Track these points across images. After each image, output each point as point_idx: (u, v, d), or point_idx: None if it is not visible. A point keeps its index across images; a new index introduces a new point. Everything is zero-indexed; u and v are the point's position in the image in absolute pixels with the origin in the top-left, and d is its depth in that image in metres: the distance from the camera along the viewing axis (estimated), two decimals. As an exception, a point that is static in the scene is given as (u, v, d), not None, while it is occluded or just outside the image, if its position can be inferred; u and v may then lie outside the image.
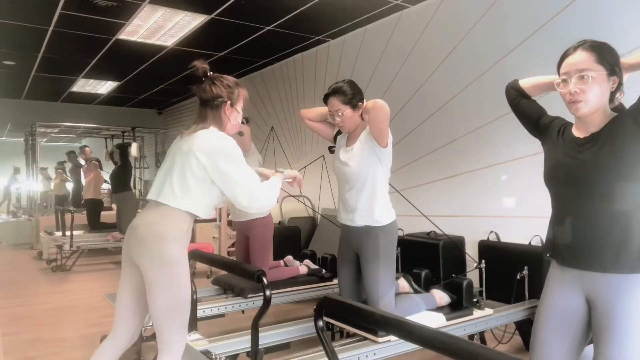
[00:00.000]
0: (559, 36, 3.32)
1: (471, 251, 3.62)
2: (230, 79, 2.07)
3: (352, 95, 2.48)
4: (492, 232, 3.65)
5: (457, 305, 2.73)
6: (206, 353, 2.19)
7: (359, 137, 2.52)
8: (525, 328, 2.95)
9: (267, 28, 5.11)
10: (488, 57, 3.80)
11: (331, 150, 2.76)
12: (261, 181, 2.02)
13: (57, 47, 5.80)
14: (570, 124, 1.76)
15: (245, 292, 3.15)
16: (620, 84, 1.63)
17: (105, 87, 8.33)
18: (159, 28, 5.12)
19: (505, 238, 3.57)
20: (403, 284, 2.83)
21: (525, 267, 3.03)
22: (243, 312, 3.29)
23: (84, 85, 8.15)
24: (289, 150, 6.47)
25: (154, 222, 1.85)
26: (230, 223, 6.54)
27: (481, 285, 3.34)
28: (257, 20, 4.89)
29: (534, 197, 3.34)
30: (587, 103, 1.59)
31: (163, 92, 8.87)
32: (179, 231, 1.85)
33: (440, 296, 2.71)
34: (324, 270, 3.70)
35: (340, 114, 2.48)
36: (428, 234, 3.76)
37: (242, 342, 2.36)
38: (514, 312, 2.88)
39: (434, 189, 4.27)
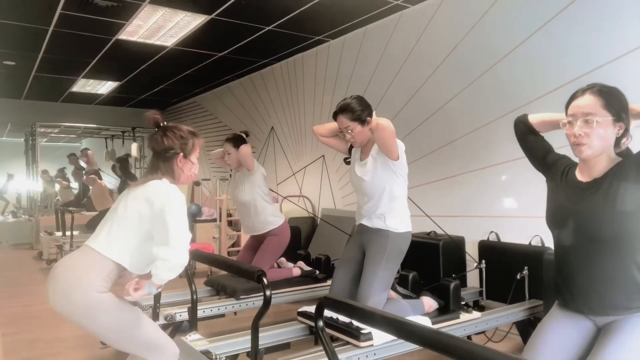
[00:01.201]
0: (559, 37, 3.32)
1: (471, 251, 3.62)
2: (184, 130, 2.01)
3: (360, 111, 2.52)
4: (492, 232, 3.65)
5: (445, 309, 2.69)
6: (206, 353, 2.19)
7: (371, 150, 2.57)
8: (525, 328, 2.94)
9: (267, 28, 5.11)
10: (488, 57, 3.80)
11: (346, 161, 2.81)
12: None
13: (57, 47, 5.80)
14: (574, 165, 1.76)
15: (237, 293, 3.15)
16: (626, 130, 1.63)
17: (105, 87, 8.33)
18: (159, 28, 5.12)
19: (505, 238, 3.57)
20: (389, 291, 2.84)
21: (525, 267, 3.02)
22: (235, 313, 3.26)
23: (84, 85, 8.15)
24: (289, 150, 6.47)
25: (71, 267, 1.84)
26: (230, 223, 6.55)
27: (481, 285, 3.34)
28: (257, 21, 4.89)
29: (534, 197, 3.34)
30: (591, 147, 1.60)
31: (163, 92, 8.88)
32: (96, 277, 1.80)
33: (429, 304, 2.68)
34: (317, 272, 3.67)
35: (349, 130, 2.53)
36: (428, 234, 3.76)
37: (242, 342, 2.36)
38: (513, 312, 2.88)
39: (434, 188, 4.27)
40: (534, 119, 1.89)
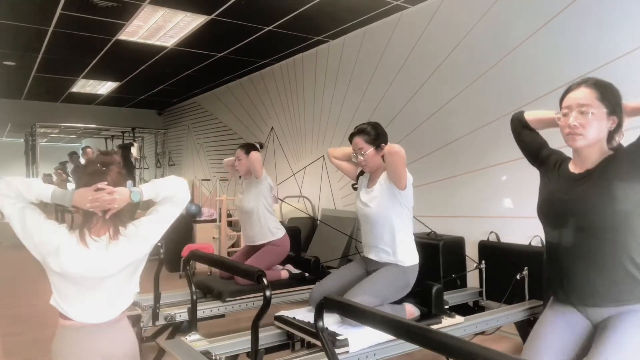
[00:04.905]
0: (559, 36, 3.32)
1: (471, 251, 3.62)
2: None
3: (376, 136, 2.59)
4: (492, 232, 3.65)
5: (427, 313, 2.64)
6: (206, 353, 2.19)
7: (379, 178, 2.59)
8: (525, 328, 2.94)
9: (267, 28, 5.11)
10: (488, 58, 3.80)
11: (354, 187, 2.84)
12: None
13: (57, 47, 5.80)
14: (567, 159, 1.77)
15: (223, 295, 3.14)
16: (619, 125, 1.65)
17: (105, 87, 8.33)
18: (159, 28, 5.12)
19: (505, 238, 3.57)
20: None
21: (525, 268, 3.02)
22: (224, 315, 3.23)
23: (84, 85, 8.16)
24: (289, 150, 6.47)
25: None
26: (230, 223, 6.54)
27: (481, 286, 3.34)
28: (257, 21, 4.89)
29: (534, 198, 3.32)
30: (586, 137, 1.61)
31: (163, 92, 8.88)
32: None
33: (411, 311, 2.65)
34: (306, 274, 3.64)
35: (363, 152, 2.57)
36: (428, 234, 3.76)
37: (242, 343, 2.36)
38: (513, 313, 2.87)
39: (434, 189, 4.27)
40: (530, 115, 1.91)
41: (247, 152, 3.53)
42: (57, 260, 1.54)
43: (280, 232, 3.59)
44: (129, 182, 1.65)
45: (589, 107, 1.60)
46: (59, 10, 4.56)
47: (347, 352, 2.19)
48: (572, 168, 1.72)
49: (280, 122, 6.67)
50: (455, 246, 3.59)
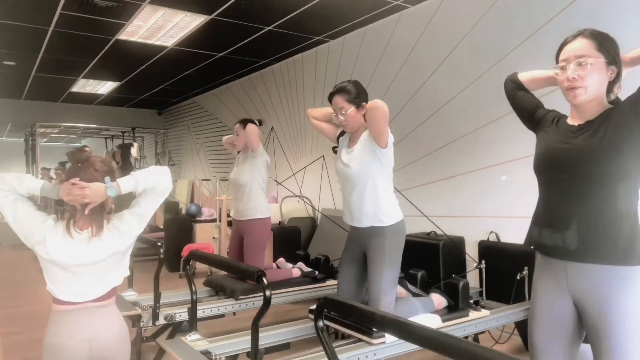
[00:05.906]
0: (559, 36, 3.31)
1: (471, 251, 3.62)
2: None
3: (357, 94, 2.52)
4: (492, 232, 3.65)
5: (454, 307, 2.72)
6: (206, 353, 2.20)
7: (359, 138, 2.54)
8: (525, 328, 2.94)
9: (267, 28, 5.11)
10: (488, 58, 3.80)
11: (334, 150, 2.79)
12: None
13: (57, 47, 5.80)
14: (565, 116, 1.74)
15: (236, 293, 3.15)
16: (618, 75, 1.61)
17: (105, 87, 8.33)
18: (159, 28, 5.12)
19: (505, 238, 3.57)
20: (400, 289, 2.82)
21: (525, 267, 3.02)
22: (234, 314, 3.28)
23: (84, 85, 8.16)
24: (289, 150, 6.47)
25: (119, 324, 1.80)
26: (230, 223, 6.55)
27: (481, 286, 3.34)
28: (257, 21, 4.89)
29: (534, 197, 3.33)
30: (586, 90, 1.57)
31: (163, 92, 8.88)
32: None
33: (439, 301, 2.70)
34: (317, 272, 3.68)
35: (343, 112, 2.51)
36: (428, 234, 3.76)
37: (242, 343, 2.37)
38: (513, 312, 2.88)
39: (434, 189, 4.27)
40: (524, 77, 1.87)
41: (245, 126, 3.54)
42: (44, 249, 1.63)
43: (267, 212, 3.63)
44: (107, 178, 1.69)
45: (587, 57, 1.56)
46: (59, 10, 4.56)
47: (384, 342, 2.30)
48: (571, 121, 1.68)
49: (280, 122, 6.67)
50: (455, 246, 3.59)
